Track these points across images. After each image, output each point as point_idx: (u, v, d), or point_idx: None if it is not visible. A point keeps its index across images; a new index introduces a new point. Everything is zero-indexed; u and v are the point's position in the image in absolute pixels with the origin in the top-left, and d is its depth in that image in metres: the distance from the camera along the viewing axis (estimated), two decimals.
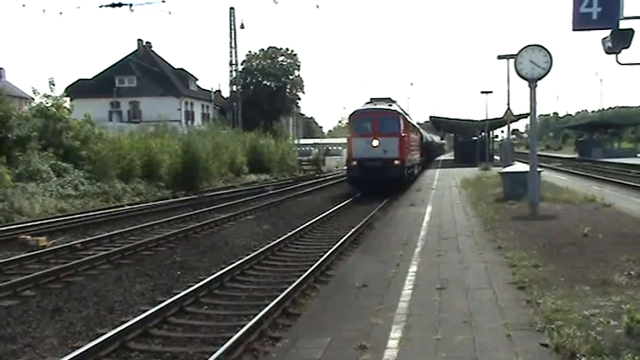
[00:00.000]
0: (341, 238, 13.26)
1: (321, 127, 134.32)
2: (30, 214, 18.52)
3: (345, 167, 29.94)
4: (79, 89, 49.90)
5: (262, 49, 70.22)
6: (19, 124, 22.68)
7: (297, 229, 14.97)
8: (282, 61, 70.20)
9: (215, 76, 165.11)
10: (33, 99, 28.57)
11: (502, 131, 54.91)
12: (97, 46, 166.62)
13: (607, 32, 9.46)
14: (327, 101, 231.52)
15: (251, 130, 46.86)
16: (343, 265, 10.72)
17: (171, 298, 8.42)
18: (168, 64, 63.82)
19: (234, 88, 58.84)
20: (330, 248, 12.02)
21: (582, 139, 70.50)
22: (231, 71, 58.10)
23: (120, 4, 37.95)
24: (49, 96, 25.99)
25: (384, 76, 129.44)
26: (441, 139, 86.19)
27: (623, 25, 9.47)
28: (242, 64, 64.17)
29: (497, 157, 46.39)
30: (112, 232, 15.45)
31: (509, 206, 15.90)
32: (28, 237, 13.97)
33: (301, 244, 13.78)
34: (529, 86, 13.87)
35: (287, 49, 71.00)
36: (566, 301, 6.47)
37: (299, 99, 73.87)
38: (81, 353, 6.15)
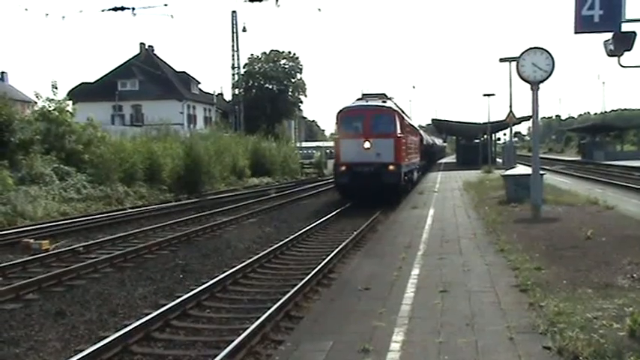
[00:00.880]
0: (343, 241, 13.27)
1: (323, 130, 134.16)
2: (33, 218, 18.55)
3: (333, 173, 26.53)
4: (81, 93, 50.00)
5: (264, 53, 70.26)
6: (21, 127, 22.74)
7: (300, 232, 14.97)
8: (284, 64, 70.20)
9: (217, 79, 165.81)
10: (36, 102, 28.68)
11: (504, 134, 55.10)
12: (100, 50, 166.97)
13: (609, 35, 9.47)
14: (329, 104, 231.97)
15: (253, 133, 46.85)
16: (346, 268, 10.71)
17: (173, 301, 8.43)
18: (171, 68, 63.88)
19: (237, 91, 58.77)
20: (333, 251, 12.02)
21: (585, 142, 70.37)
22: (233, 74, 58.02)
23: (122, 8, 38.17)
24: (52, 99, 26.09)
25: (386, 79, 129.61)
26: (443, 142, 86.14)
27: (625, 27, 9.50)
28: (244, 68, 64.19)
29: (499, 160, 46.32)
30: (114, 235, 15.47)
31: (511, 209, 15.91)
32: (31, 240, 13.98)
33: (303, 247, 13.79)
34: (531, 89, 13.88)
35: (289, 53, 71.00)
36: (569, 303, 6.46)
37: (301, 102, 73.86)
38: (84, 356, 6.16)
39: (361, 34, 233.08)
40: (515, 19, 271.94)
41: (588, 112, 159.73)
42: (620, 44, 9.27)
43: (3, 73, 64.87)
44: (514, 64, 16.71)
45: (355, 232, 14.60)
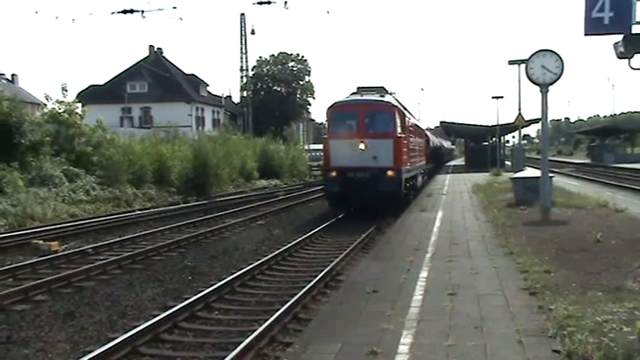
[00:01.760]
0: (351, 244, 13.25)
1: None
2: (42, 219, 18.66)
3: (322, 179, 23.57)
4: (90, 95, 50.25)
5: (273, 55, 70.41)
6: (31, 129, 22.88)
7: (308, 234, 14.98)
8: (292, 66, 70.32)
9: (226, 81, 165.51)
10: (45, 105, 28.88)
11: (513, 136, 54.90)
12: (109, 53, 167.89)
13: (619, 37, 9.42)
14: None
15: (261, 136, 46.95)
16: (354, 270, 10.70)
17: (182, 303, 8.46)
18: (180, 70, 64.13)
19: (245, 93, 58.96)
20: (341, 253, 12.01)
21: (594, 145, 70.01)
22: (241, 77, 58.23)
23: (132, 11, 38.39)
24: (62, 102, 26.30)
25: (394, 82, 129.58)
26: (452, 145, 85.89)
27: (636, 29, 9.42)
28: (252, 70, 64.35)
29: (508, 163, 46.16)
30: (123, 237, 15.53)
31: (520, 211, 15.83)
32: (41, 242, 14.06)
33: (311, 249, 13.79)
34: (540, 91, 13.82)
35: (297, 55, 71.13)
36: (579, 307, 6.42)
37: (309, 104, 73.90)
38: (92, 358, 6.18)
39: (370, 37, 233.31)
40: (524, 21, 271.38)
41: (598, 115, 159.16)
42: (630, 46, 9.21)
43: (13, 75, 65.35)
44: (523, 66, 16.68)
45: (363, 235, 14.58)
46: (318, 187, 34.92)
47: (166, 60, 64.03)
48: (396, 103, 20.37)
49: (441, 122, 60.96)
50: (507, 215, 15.17)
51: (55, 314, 8.63)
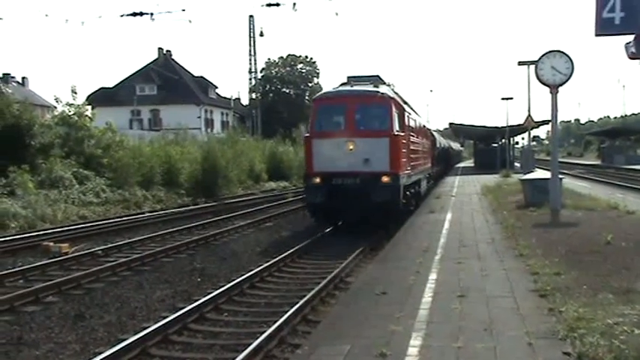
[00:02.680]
0: (360, 246, 13.23)
1: None
2: (52, 221, 18.78)
3: (303, 186, 20.42)
4: (100, 97, 50.62)
5: (281, 57, 70.65)
6: (42, 132, 23.07)
7: (316, 236, 14.96)
8: (301, 68, 70.52)
9: (234, 83, 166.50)
10: (55, 107, 29.08)
11: (523, 138, 54.62)
12: (118, 55, 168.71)
13: (630, 37, 9.37)
14: None
15: (270, 138, 47.06)
16: (362, 272, 10.68)
17: (191, 304, 8.48)
18: (189, 72, 64.41)
19: (254, 95, 59.14)
20: (350, 255, 12.00)
21: (605, 146, 69.68)
22: (250, 79, 58.45)
23: (141, 13, 38.56)
24: (72, 104, 26.50)
25: (403, 83, 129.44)
26: (461, 146, 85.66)
27: None
28: (261, 72, 64.62)
29: (517, 164, 46.00)
30: (132, 239, 15.59)
31: (530, 213, 15.75)
32: (51, 243, 14.15)
33: (320, 251, 13.77)
34: (550, 92, 13.74)
35: (306, 57, 71.34)
36: (589, 309, 6.37)
37: None
38: (103, 359, 6.21)
39: (378, 38, 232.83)
40: (534, 22, 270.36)
41: (608, 116, 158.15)
42: None
43: (24, 78, 65.96)
44: (533, 67, 16.57)
45: (371, 237, 14.54)
46: None
47: (175, 62, 64.35)
48: (393, 95, 16.87)
49: (450, 124, 60.89)
50: (517, 217, 15.10)
51: (66, 315, 8.68)
